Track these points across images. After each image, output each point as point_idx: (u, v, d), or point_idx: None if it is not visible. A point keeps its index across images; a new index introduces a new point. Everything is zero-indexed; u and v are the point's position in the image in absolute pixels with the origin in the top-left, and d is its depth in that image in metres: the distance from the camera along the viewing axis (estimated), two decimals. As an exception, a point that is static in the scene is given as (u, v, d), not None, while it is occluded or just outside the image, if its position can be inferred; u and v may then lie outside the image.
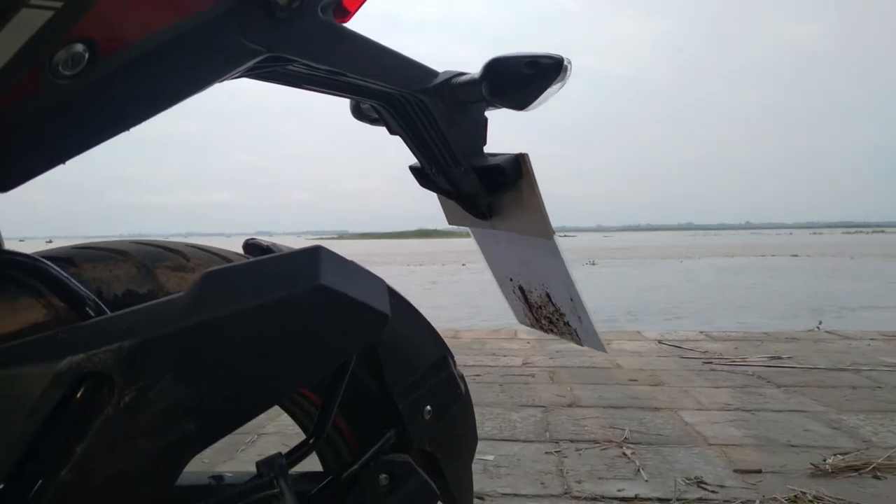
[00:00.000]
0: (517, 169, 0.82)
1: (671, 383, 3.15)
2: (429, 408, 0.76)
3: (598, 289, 13.22)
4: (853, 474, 1.95)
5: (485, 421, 2.50)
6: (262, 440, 2.30)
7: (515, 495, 1.83)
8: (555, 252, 0.86)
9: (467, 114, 0.81)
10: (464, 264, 23.32)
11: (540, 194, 0.81)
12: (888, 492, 1.82)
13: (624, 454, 2.13)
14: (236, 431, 0.60)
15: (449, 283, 15.65)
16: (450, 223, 1.02)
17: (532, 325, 1.04)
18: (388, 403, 0.74)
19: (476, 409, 2.87)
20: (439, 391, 0.78)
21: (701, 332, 4.77)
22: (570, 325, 0.94)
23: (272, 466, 0.60)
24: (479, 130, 0.83)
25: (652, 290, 13.02)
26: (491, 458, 2.12)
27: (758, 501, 1.76)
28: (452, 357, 0.82)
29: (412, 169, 0.95)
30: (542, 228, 0.84)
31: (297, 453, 0.63)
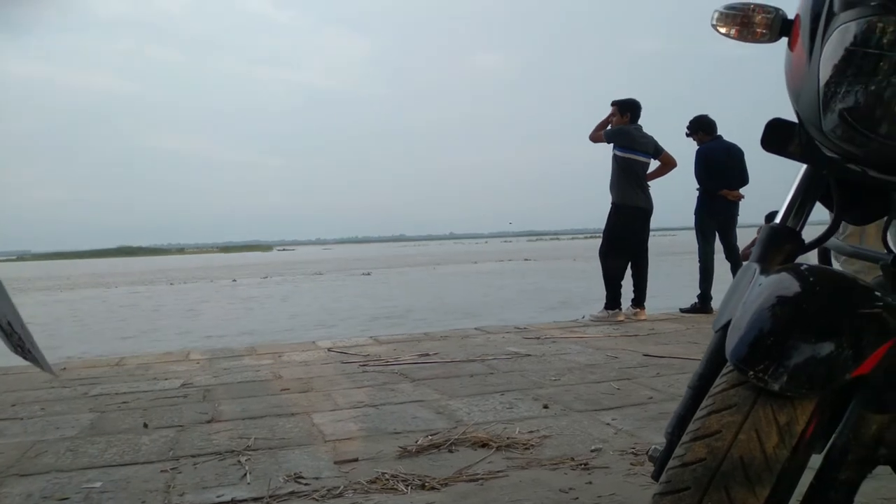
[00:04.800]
0: None
1: (319, 388, 3.36)
2: None
3: (403, 293, 14.24)
4: (434, 451, 2.29)
5: (109, 448, 2.44)
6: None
7: (108, 519, 1.83)
8: None
9: None
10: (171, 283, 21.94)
11: None
12: (453, 462, 2.18)
13: (239, 462, 2.24)
14: None
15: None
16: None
17: (20, 355, 1.08)
18: None
19: (104, 438, 2.74)
20: None
21: (370, 337, 5.13)
22: (31, 353, 1.01)
23: None
24: None
25: (445, 294, 14.36)
26: (98, 484, 2.08)
27: (342, 486, 1.99)
28: None
29: None
30: None
31: None
